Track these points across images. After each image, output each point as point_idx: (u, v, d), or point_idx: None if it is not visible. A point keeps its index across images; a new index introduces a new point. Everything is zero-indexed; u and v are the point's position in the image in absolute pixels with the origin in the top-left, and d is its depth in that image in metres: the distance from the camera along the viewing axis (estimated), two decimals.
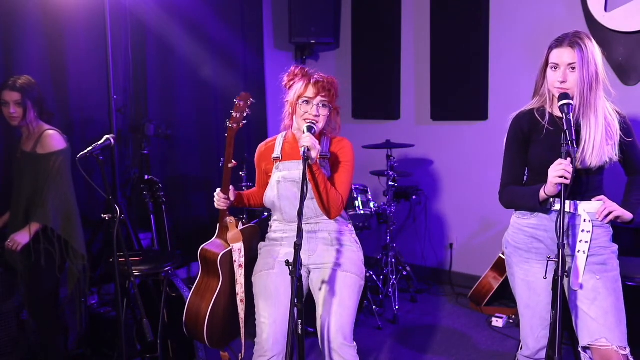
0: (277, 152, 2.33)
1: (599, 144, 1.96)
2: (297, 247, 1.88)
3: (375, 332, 3.69)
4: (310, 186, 2.14)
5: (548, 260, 1.88)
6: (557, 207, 2.01)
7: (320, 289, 2.21)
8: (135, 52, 4.03)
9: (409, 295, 4.31)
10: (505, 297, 4.01)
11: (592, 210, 2.02)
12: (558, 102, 1.96)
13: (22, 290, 2.83)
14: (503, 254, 3.14)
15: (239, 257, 2.42)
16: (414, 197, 4.48)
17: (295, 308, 1.87)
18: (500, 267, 3.98)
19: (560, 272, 1.79)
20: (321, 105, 2.21)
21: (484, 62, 4.27)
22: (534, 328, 2.11)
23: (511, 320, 3.76)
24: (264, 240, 2.42)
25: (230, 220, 2.44)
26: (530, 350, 2.13)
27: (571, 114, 1.92)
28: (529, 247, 2.09)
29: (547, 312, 2.06)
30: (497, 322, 3.74)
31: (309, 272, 2.29)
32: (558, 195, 1.92)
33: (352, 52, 5.06)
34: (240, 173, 4.06)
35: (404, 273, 4.36)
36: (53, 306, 2.84)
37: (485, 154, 4.32)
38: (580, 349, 2.00)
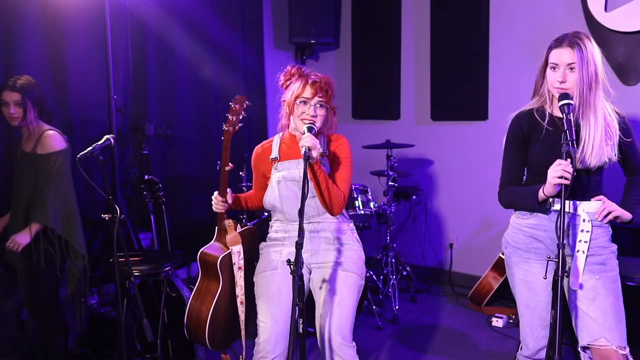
0: (274, 153, 2.33)
1: (598, 144, 1.97)
2: (299, 246, 1.89)
3: (375, 332, 3.69)
4: (311, 185, 2.15)
5: (548, 260, 1.88)
6: (556, 207, 2.01)
7: (320, 288, 2.21)
8: (135, 52, 4.03)
9: (409, 295, 4.31)
10: (505, 297, 4.01)
11: (591, 210, 2.02)
12: (558, 102, 1.96)
13: (22, 290, 2.83)
14: (503, 254, 3.14)
15: (238, 260, 2.42)
16: (414, 197, 4.48)
17: (297, 307, 1.87)
18: (500, 267, 3.98)
19: (560, 272, 1.79)
20: (318, 105, 2.21)
21: (484, 62, 4.27)
22: (534, 328, 2.11)
23: (511, 320, 3.76)
24: (264, 240, 2.42)
25: (228, 223, 2.44)
26: (530, 350, 2.13)
27: (571, 114, 1.92)
28: (529, 247, 2.09)
29: (547, 312, 2.06)
30: (497, 322, 3.74)
31: (310, 272, 2.29)
32: (557, 195, 1.92)
33: (352, 52, 5.06)
34: (240, 173, 4.06)
35: (404, 273, 4.36)
36: (53, 306, 2.84)
37: (485, 154, 4.32)
38: (579, 349, 2.00)
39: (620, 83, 3.63)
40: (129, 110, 4.06)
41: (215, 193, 2.34)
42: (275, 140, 2.37)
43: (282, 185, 2.25)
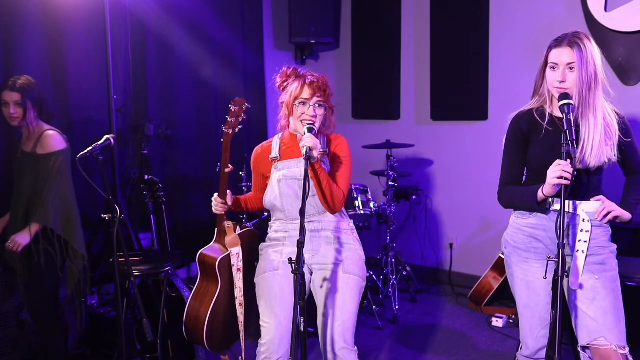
0: (275, 153, 2.33)
1: (597, 144, 1.97)
2: (300, 244, 1.90)
3: (375, 332, 3.69)
4: (312, 183, 2.16)
5: (548, 260, 1.88)
6: (556, 206, 2.01)
7: (322, 291, 2.21)
8: (135, 52, 4.03)
9: (409, 295, 4.31)
10: (505, 297, 4.01)
11: (591, 210, 2.02)
12: (558, 102, 1.96)
13: (22, 290, 2.83)
14: (503, 253, 3.15)
15: (237, 262, 2.42)
16: (414, 197, 4.48)
17: (299, 306, 1.88)
18: (500, 267, 3.98)
19: (560, 272, 1.79)
20: (317, 105, 2.22)
21: (484, 62, 4.27)
22: (534, 328, 2.11)
23: (511, 320, 3.76)
24: (263, 241, 2.42)
25: (228, 224, 2.44)
26: (530, 350, 2.13)
27: (571, 114, 1.92)
28: (528, 247, 2.09)
29: (547, 311, 2.06)
30: (497, 322, 3.74)
31: (311, 273, 2.29)
32: (557, 195, 1.93)
33: (352, 52, 5.06)
34: (240, 173, 4.06)
35: (404, 273, 4.36)
36: (53, 306, 2.84)
37: (485, 154, 4.32)
38: (579, 349, 2.00)
39: (620, 83, 3.63)
40: (129, 110, 4.06)
41: (215, 195, 2.35)
42: (275, 140, 2.38)
43: (282, 183, 2.26)
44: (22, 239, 2.66)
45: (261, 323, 2.18)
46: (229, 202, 2.35)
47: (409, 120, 4.81)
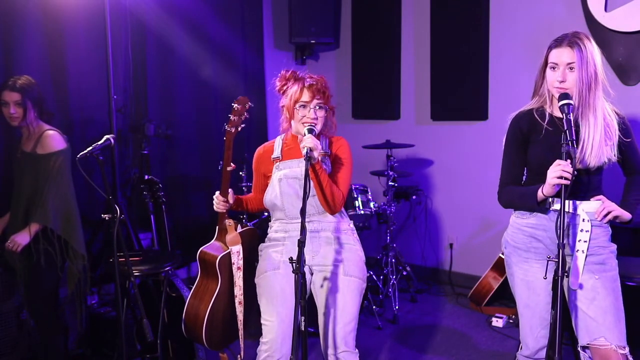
0: (277, 153, 2.35)
1: (597, 144, 1.97)
2: (301, 243, 1.91)
3: (375, 332, 3.69)
4: (312, 184, 2.18)
5: (548, 260, 1.88)
6: (556, 206, 2.01)
7: (322, 293, 2.22)
8: (135, 52, 4.03)
9: (409, 295, 4.31)
10: (505, 297, 4.01)
11: (591, 210, 2.02)
12: (558, 102, 1.96)
13: (22, 290, 2.83)
14: (503, 253, 3.15)
15: (237, 260, 2.42)
16: (414, 197, 4.48)
17: (299, 305, 1.89)
18: (500, 267, 3.98)
19: (560, 272, 1.79)
20: (318, 107, 2.24)
21: (484, 62, 4.27)
22: (534, 328, 2.11)
23: (511, 320, 3.76)
24: (263, 241, 2.42)
25: (229, 222, 2.45)
26: (530, 350, 2.13)
27: (571, 114, 1.92)
28: (528, 247, 2.09)
29: (547, 311, 2.06)
30: (497, 322, 3.74)
31: (312, 273, 2.30)
32: (557, 195, 1.93)
33: (352, 52, 5.06)
34: (240, 173, 4.07)
35: (404, 273, 4.36)
36: (53, 306, 2.84)
37: (485, 154, 4.32)
38: (579, 349, 2.00)
39: (620, 83, 3.63)
40: (129, 110, 4.06)
41: (217, 193, 2.36)
42: (278, 141, 2.40)
43: (283, 182, 2.27)
44: (22, 238, 2.66)
45: (263, 322, 2.18)
46: (231, 201, 2.36)
47: (409, 120, 4.81)
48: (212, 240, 2.50)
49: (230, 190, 2.36)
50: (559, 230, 1.82)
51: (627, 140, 2.05)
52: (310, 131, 2.16)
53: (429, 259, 4.76)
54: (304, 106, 2.23)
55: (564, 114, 1.93)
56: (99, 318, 3.23)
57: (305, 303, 1.95)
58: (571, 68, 1.96)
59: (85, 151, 2.36)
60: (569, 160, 1.86)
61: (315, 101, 2.22)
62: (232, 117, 2.28)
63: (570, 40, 1.96)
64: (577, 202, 2.02)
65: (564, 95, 1.95)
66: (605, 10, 3.63)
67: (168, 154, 4.32)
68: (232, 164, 2.36)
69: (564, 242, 1.83)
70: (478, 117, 4.34)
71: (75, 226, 2.78)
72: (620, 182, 2.17)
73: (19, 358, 2.98)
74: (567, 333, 2.48)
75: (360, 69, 5.02)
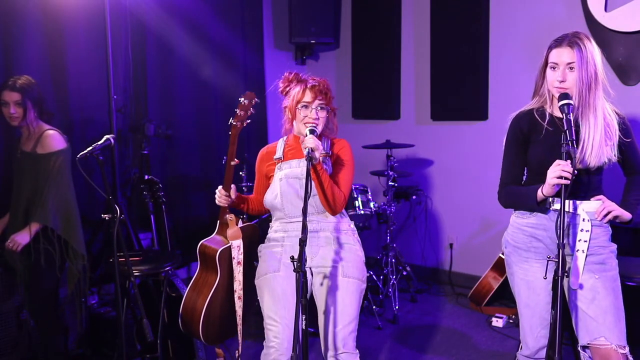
0: (279, 153, 2.36)
1: (598, 144, 1.97)
2: (302, 242, 1.91)
3: (375, 332, 3.69)
4: (313, 184, 2.18)
5: (548, 260, 1.88)
6: (556, 206, 2.01)
7: (322, 294, 2.23)
8: (135, 52, 4.03)
9: (409, 295, 4.31)
10: (505, 297, 4.01)
11: (591, 210, 2.02)
12: (558, 102, 1.96)
13: (22, 290, 2.83)
14: (503, 253, 3.15)
15: (237, 254, 2.42)
16: (414, 197, 4.48)
17: (300, 304, 1.89)
18: (500, 267, 3.98)
19: (560, 271, 1.79)
20: (319, 108, 2.26)
21: (484, 62, 4.27)
22: (534, 327, 2.11)
23: (511, 320, 3.76)
24: (263, 242, 2.42)
25: (230, 217, 2.45)
26: (530, 349, 2.13)
27: (571, 114, 1.92)
28: (528, 247, 2.10)
29: (547, 311, 2.06)
30: (497, 322, 3.74)
31: (312, 275, 2.29)
32: (557, 195, 1.93)
33: (352, 52, 5.06)
34: (241, 173, 4.07)
35: (404, 273, 4.36)
36: (53, 306, 2.84)
37: (485, 154, 4.32)
38: (579, 348, 2.00)
39: (620, 83, 3.63)
40: (129, 110, 4.06)
41: (220, 187, 2.37)
42: (280, 142, 2.42)
43: (283, 182, 2.28)
44: (22, 238, 2.66)
45: (266, 326, 2.18)
46: (233, 196, 2.37)
47: (409, 120, 4.81)
48: (213, 234, 2.50)
49: (232, 186, 2.37)
50: (559, 230, 1.83)
51: (627, 140, 2.05)
52: (312, 132, 2.17)
53: (429, 259, 4.76)
54: (305, 106, 2.25)
55: (564, 114, 1.93)
56: (99, 318, 3.23)
57: (306, 302, 1.96)
58: (571, 68, 1.96)
59: (85, 151, 2.36)
60: (569, 160, 1.86)
61: (317, 102, 2.24)
62: (238, 112, 2.29)
63: (571, 40, 1.96)
64: (577, 202, 2.02)
65: (564, 95, 1.95)
66: (605, 10, 3.63)
67: (168, 154, 4.32)
68: (236, 159, 2.36)
69: (564, 242, 1.83)
70: (478, 117, 4.34)
71: (75, 226, 2.79)
72: (620, 182, 2.17)
73: (19, 358, 2.98)
74: (567, 333, 2.48)
75: (360, 69, 5.02)
